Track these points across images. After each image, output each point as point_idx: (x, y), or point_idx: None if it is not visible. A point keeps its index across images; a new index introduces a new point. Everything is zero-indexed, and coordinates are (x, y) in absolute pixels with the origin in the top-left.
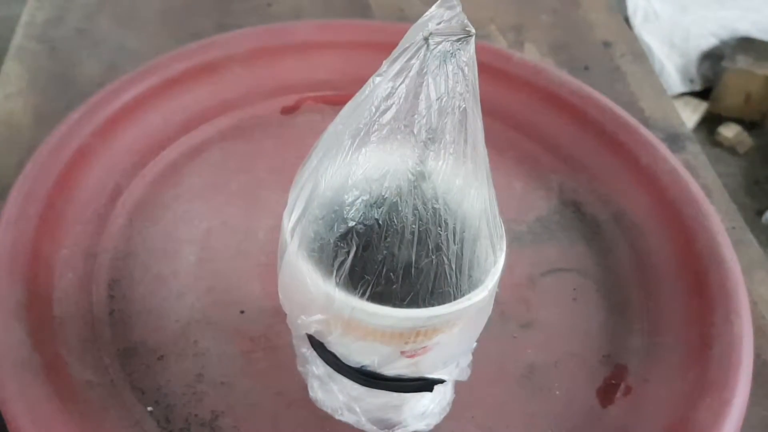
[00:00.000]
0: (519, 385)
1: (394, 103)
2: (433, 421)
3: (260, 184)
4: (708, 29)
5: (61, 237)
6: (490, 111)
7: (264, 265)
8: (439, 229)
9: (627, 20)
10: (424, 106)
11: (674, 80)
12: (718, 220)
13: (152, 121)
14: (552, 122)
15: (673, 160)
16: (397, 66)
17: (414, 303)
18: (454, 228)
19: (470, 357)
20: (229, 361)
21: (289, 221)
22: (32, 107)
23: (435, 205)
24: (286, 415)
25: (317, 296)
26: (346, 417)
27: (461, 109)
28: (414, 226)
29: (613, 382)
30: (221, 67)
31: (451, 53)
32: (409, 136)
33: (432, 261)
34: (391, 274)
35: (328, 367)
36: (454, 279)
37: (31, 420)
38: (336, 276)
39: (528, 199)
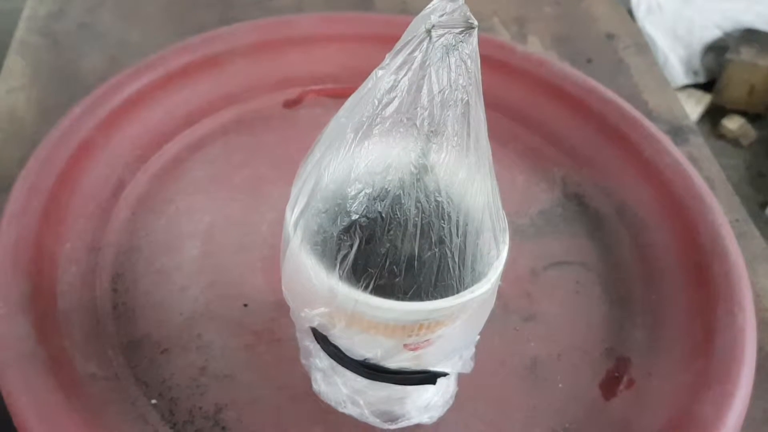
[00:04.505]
0: (522, 378)
1: (396, 96)
2: (436, 413)
3: (263, 178)
4: (712, 21)
5: (65, 231)
6: (492, 103)
7: (267, 258)
8: (442, 222)
9: (630, 12)
10: (426, 98)
11: (678, 72)
12: (722, 212)
13: (155, 115)
14: (555, 115)
15: (677, 152)
16: (399, 59)
17: (417, 296)
18: (457, 221)
19: (473, 350)
20: (233, 354)
21: (292, 214)
22: (35, 101)
23: (438, 198)
24: (289, 408)
25: (320, 289)
26: (350, 410)
27: (464, 102)
28: (417, 219)
29: (616, 374)
30: (224, 61)
31: (454, 46)
32: (411, 129)
33: (435, 254)
34: (394, 267)
35: (331, 360)
36: (457, 272)
37: (35, 413)
38: (339, 269)
39: (531, 192)
